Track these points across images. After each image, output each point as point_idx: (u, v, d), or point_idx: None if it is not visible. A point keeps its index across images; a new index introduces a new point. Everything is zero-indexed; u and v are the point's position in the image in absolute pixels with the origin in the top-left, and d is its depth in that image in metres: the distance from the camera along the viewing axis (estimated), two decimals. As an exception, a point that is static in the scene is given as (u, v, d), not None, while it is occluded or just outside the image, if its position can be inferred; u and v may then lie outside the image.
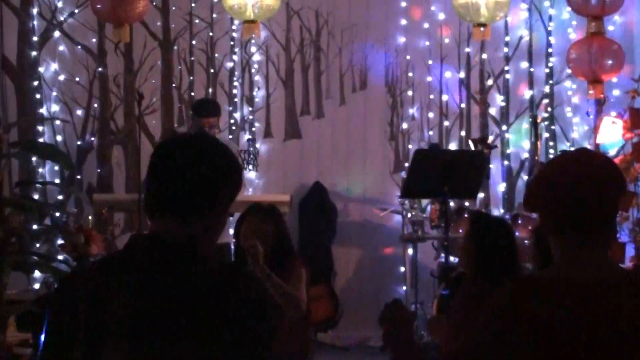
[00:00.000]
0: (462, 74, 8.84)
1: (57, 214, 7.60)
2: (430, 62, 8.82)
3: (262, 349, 2.11)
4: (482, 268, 4.17)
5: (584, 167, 2.30)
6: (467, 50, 8.83)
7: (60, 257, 6.71)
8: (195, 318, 2.06)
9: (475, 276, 4.21)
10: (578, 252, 2.29)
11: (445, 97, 8.85)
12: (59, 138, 8.36)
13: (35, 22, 8.38)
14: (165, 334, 2.05)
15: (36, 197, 7.93)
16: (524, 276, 2.36)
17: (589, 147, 8.67)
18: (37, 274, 7.28)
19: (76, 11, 8.45)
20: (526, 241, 5.58)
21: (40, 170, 8.31)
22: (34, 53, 8.33)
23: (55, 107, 8.44)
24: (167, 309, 2.07)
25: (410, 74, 8.83)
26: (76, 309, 2.10)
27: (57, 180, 8.29)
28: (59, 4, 8.45)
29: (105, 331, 2.06)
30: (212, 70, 8.72)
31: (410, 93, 8.85)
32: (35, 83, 8.31)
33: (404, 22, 8.80)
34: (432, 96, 8.84)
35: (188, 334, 2.05)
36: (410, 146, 8.72)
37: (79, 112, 8.49)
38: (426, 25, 8.80)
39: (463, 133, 8.82)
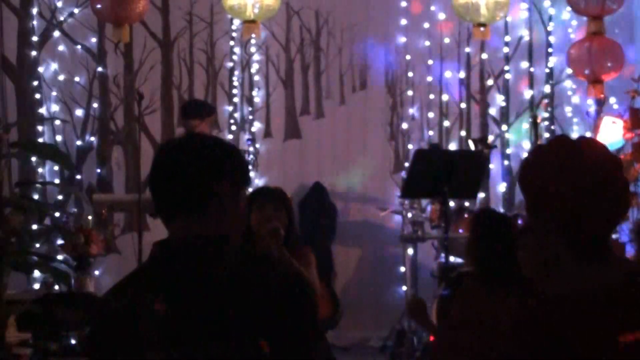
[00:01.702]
0: (462, 74, 8.84)
1: (57, 214, 7.60)
2: (430, 62, 8.83)
3: (308, 330, 2.11)
4: (487, 264, 4.13)
5: (595, 169, 2.21)
6: (467, 50, 8.83)
7: (60, 257, 6.73)
8: (228, 318, 2.05)
9: (480, 273, 4.19)
10: (591, 259, 2.24)
11: (445, 97, 8.85)
12: (58, 138, 8.35)
13: (35, 22, 8.38)
14: (201, 338, 2.04)
15: (36, 197, 7.93)
16: (546, 293, 2.29)
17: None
18: (37, 274, 7.28)
19: (76, 11, 8.44)
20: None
21: (40, 170, 8.31)
22: (34, 53, 8.33)
23: (55, 107, 8.44)
24: (199, 314, 2.05)
25: (410, 74, 8.83)
26: (115, 329, 2.10)
27: (57, 180, 8.29)
28: (59, 4, 8.44)
29: (142, 344, 2.05)
30: (212, 70, 8.72)
31: (410, 93, 8.85)
32: (35, 83, 8.30)
33: (404, 21, 8.80)
34: (432, 96, 8.84)
35: (225, 334, 2.04)
36: (410, 146, 8.72)
37: (79, 112, 8.48)
38: (426, 25, 8.80)
39: (463, 133, 8.82)
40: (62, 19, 8.45)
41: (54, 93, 8.43)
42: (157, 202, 2.23)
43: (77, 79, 8.47)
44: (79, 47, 8.48)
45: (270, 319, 2.06)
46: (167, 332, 2.05)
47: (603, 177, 2.22)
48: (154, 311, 2.06)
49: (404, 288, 8.21)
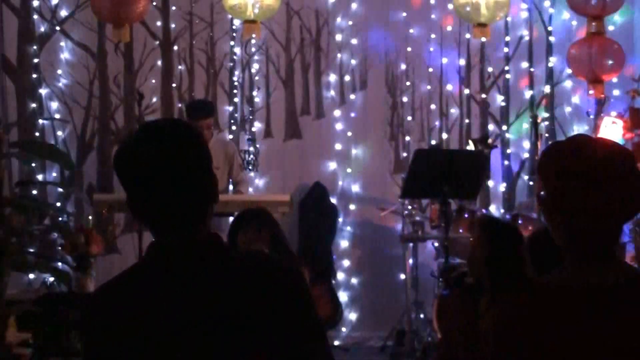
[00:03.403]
0: (462, 74, 8.84)
1: (57, 214, 7.60)
2: (430, 61, 8.82)
3: (312, 336, 2.08)
4: (493, 275, 4.11)
5: (613, 169, 2.20)
6: (467, 50, 8.83)
7: (60, 257, 6.73)
8: (242, 316, 2.02)
9: (483, 285, 4.17)
10: (595, 256, 2.23)
11: (445, 97, 8.85)
12: (59, 138, 8.35)
13: (35, 22, 8.38)
14: (216, 338, 2.01)
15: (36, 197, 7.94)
16: (536, 283, 2.31)
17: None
18: (37, 273, 7.28)
19: (76, 11, 8.44)
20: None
21: (40, 170, 8.30)
22: (34, 53, 8.33)
23: (55, 107, 8.44)
24: (214, 313, 2.02)
25: (410, 74, 8.83)
26: (113, 326, 2.04)
27: (57, 180, 8.30)
28: (59, 4, 8.45)
29: (151, 345, 2.00)
30: (212, 70, 8.72)
31: (410, 93, 8.85)
32: (35, 83, 8.31)
33: (403, 22, 8.79)
34: (432, 96, 8.84)
35: (238, 334, 2.01)
36: (410, 146, 8.72)
37: (79, 112, 8.48)
38: (426, 26, 8.80)
39: (463, 133, 8.82)
40: (62, 19, 8.45)
41: (54, 93, 8.43)
42: (160, 210, 2.09)
43: (77, 79, 8.47)
44: (79, 47, 8.48)
45: (270, 316, 2.03)
46: (178, 334, 2.01)
47: (613, 176, 2.20)
48: (163, 312, 2.02)
49: (404, 288, 8.21)
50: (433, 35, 8.82)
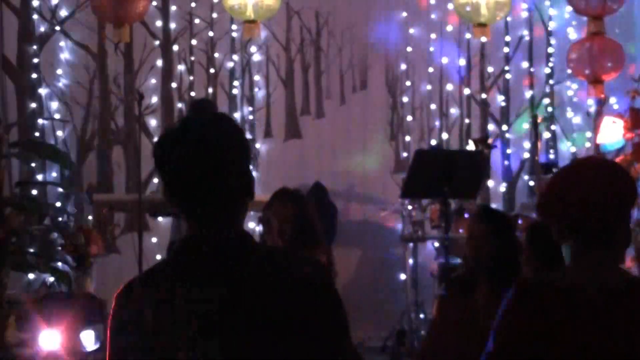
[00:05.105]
0: (462, 74, 8.85)
1: (57, 214, 7.60)
2: (430, 62, 8.83)
3: (339, 333, 2.10)
4: (495, 266, 4.10)
5: (600, 178, 2.31)
6: (468, 50, 8.83)
7: (60, 257, 6.73)
8: (268, 314, 2.02)
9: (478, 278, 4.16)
10: (588, 260, 2.31)
11: (445, 97, 8.85)
12: (59, 138, 8.35)
13: (35, 22, 8.38)
14: (240, 335, 2.01)
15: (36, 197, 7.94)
16: (534, 280, 2.39)
17: (588, 145, 8.70)
18: (37, 274, 7.28)
19: (76, 11, 8.44)
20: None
21: (40, 170, 8.30)
22: (34, 53, 8.33)
23: (55, 107, 8.44)
24: (241, 310, 2.02)
25: (410, 74, 8.83)
26: (141, 321, 2.03)
27: (57, 180, 8.30)
28: (59, 4, 8.45)
29: (177, 340, 2.00)
30: (212, 70, 8.72)
31: (410, 93, 8.85)
32: (35, 83, 8.31)
33: (404, 22, 8.79)
34: (432, 96, 8.84)
35: (263, 331, 2.01)
36: (410, 146, 8.72)
37: (79, 112, 8.48)
38: (426, 26, 8.80)
39: (463, 133, 8.82)
40: (62, 19, 8.45)
41: (54, 93, 8.42)
42: (199, 194, 2.08)
43: (77, 78, 8.47)
44: (79, 47, 8.48)
45: (299, 314, 2.04)
46: (197, 327, 2.01)
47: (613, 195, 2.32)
48: (191, 307, 2.02)
49: (404, 288, 8.21)
50: (433, 35, 8.82)
